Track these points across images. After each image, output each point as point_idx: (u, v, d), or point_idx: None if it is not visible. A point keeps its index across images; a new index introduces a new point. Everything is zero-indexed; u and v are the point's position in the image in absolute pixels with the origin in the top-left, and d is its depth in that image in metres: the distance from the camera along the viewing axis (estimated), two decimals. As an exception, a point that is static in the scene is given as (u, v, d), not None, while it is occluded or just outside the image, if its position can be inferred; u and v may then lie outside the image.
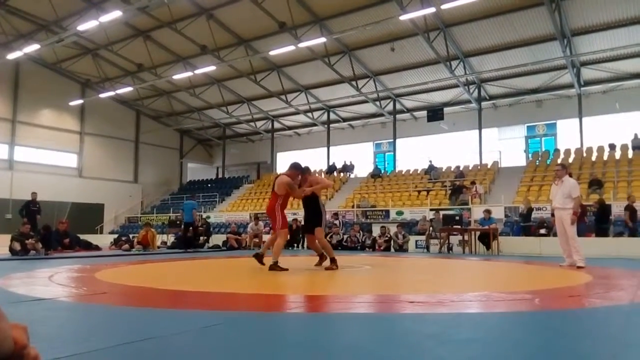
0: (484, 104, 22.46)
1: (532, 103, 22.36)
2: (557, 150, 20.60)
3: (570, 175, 8.58)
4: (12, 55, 19.49)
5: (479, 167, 21.32)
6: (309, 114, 26.45)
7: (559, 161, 18.72)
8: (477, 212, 15.45)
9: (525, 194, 17.31)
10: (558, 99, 21.56)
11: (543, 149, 21.99)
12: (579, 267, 7.26)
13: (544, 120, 22.59)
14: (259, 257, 7.00)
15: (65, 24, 18.85)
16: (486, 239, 12.98)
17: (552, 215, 8.18)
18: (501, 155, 22.43)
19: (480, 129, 22.15)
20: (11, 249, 10.80)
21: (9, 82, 23.49)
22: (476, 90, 21.84)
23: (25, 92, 23.87)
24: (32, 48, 18.93)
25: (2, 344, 0.85)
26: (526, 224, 13.88)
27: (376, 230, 15.35)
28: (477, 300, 4.04)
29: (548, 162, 19.71)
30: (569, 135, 21.28)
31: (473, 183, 18.35)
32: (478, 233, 13.26)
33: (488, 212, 13.85)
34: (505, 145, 23.27)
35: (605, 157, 18.69)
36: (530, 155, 22.00)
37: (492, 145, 22.98)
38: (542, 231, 13.70)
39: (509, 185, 18.40)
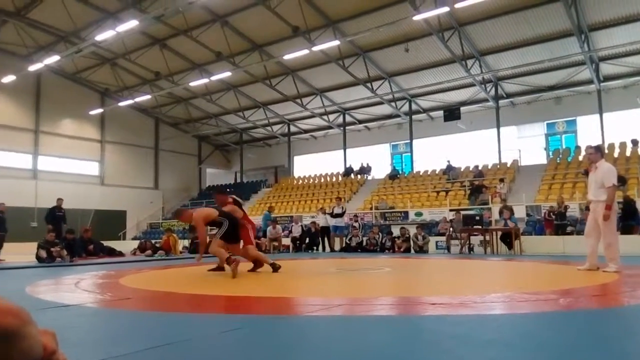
0: (501, 102, 22.21)
1: (551, 100, 22.04)
2: (578, 147, 20.25)
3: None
4: (33, 67, 19.97)
5: (498, 166, 21.07)
6: (325, 117, 26.50)
7: (580, 159, 18.37)
8: (497, 212, 15.27)
9: (547, 193, 17.06)
10: (577, 95, 21.21)
11: (564, 146, 21.65)
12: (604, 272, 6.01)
13: (563, 117, 22.24)
14: (275, 267, 7.13)
15: (83, 35, 19.25)
16: (508, 238, 12.81)
17: (587, 209, 6.73)
18: (521, 153, 22.14)
19: (498, 127, 21.90)
20: (38, 257, 11.05)
21: (32, 94, 24.04)
22: (493, 88, 21.62)
23: (47, 102, 24.41)
24: (53, 59, 19.37)
25: (32, 349, 0.88)
26: (562, 222, 13.67)
27: (395, 232, 15.28)
28: (500, 301, 4.00)
29: (569, 160, 19.39)
30: (590, 131, 20.89)
31: (502, 180, 18.11)
32: (500, 233, 13.10)
33: (509, 210, 13.64)
34: (524, 144, 22.96)
35: (627, 153, 18.30)
36: (550, 153, 21.67)
37: (511, 143, 22.70)
38: (568, 229, 13.50)
39: (529, 184, 18.14)
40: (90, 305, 4.20)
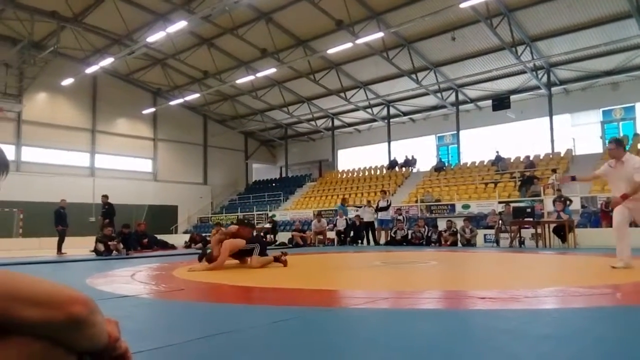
0: (554, 89, 21.29)
1: (607, 86, 20.93)
2: (636, 135, 19.16)
3: None
4: (89, 70, 20.95)
5: (550, 156, 20.26)
6: (369, 110, 26.32)
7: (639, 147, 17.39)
8: (551, 204, 14.69)
9: (604, 183, 16.24)
10: (636, 81, 20.01)
11: (621, 134, 20.53)
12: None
13: (621, 104, 21.07)
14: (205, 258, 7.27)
15: (135, 37, 19.98)
16: (561, 231, 12.32)
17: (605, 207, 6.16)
18: (575, 142, 21.17)
19: (551, 115, 21.02)
20: (96, 250, 11.66)
21: (88, 95, 25.23)
22: (545, 75, 20.75)
23: (103, 103, 25.54)
24: (107, 62, 20.26)
25: (99, 336, 0.95)
26: None
27: (442, 225, 15.03)
28: (553, 295, 3.88)
29: (627, 148, 18.36)
30: (651, 118, 19.72)
31: (554, 170, 17.41)
32: (552, 225, 12.61)
33: (562, 202, 13.08)
34: (579, 132, 21.94)
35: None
36: (607, 141, 20.58)
37: (565, 132, 21.73)
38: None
39: (584, 174, 17.28)
40: (146, 296, 4.39)
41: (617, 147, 5.91)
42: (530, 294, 3.93)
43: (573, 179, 7.28)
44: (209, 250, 7.75)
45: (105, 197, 14.61)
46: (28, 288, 0.86)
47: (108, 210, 14.28)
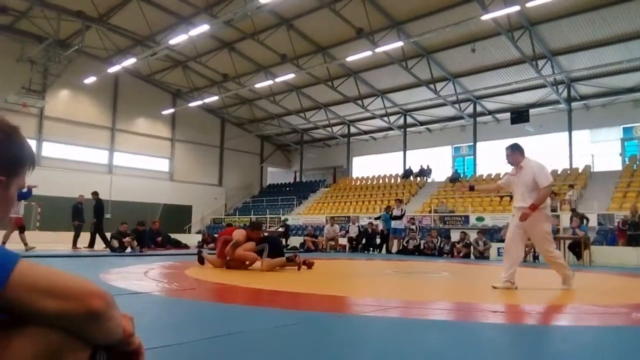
0: (574, 104, 21.04)
1: (628, 103, 20.59)
2: (659, 154, 18.83)
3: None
4: (112, 69, 21.32)
5: (568, 172, 19.99)
6: (385, 118, 26.28)
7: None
8: (567, 220, 14.48)
9: (622, 201, 15.99)
10: (659, 98, 19.69)
11: (642, 153, 20.18)
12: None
13: (642, 121, 20.73)
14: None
15: (158, 39, 20.28)
16: (577, 248, 12.14)
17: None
18: (594, 159, 20.86)
19: (570, 131, 20.77)
20: (110, 246, 11.81)
21: (110, 94, 25.63)
22: (565, 90, 20.52)
23: (123, 102, 25.92)
24: (129, 62, 20.58)
25: (115, 330, 0.97)
26: (635, 233, 12.77)
27: (455, 236, 14.90)
28: (567, 312, 3.83)
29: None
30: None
31: (572, 186, 17.16)
32: (568, 242, 12.43)
33: (578, 218, 12.88)
34: (598, 149, 21.60)
35: None
36: (627, 158, 20.27)
37: (584, 148, 21.43)
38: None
39: (602, 192, 17.07)
40: (158, 294, 4.44)
41: (512, 152, 5.43)
42: (543, 310, 3.88)
43: (471, 188, 6.64)
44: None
45: (95, 194, 13.81)
46: (48, 279, 0.88)
47: (96, 207, 13.54)
